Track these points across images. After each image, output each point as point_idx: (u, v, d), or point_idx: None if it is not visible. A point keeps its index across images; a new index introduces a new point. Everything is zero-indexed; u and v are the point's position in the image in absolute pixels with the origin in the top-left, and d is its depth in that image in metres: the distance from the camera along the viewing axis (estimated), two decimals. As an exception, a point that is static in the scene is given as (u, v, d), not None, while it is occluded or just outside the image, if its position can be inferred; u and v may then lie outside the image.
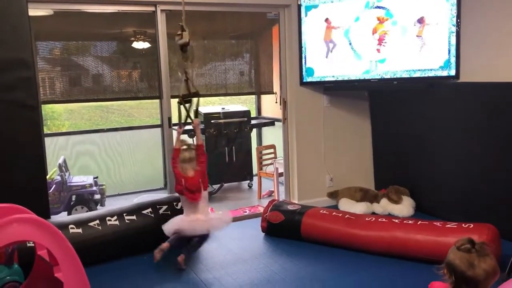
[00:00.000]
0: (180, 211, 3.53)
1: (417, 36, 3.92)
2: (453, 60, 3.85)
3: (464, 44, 3.81)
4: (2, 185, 3.20)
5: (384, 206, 4.32)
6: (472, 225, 3.12)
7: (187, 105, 3.49)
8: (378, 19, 4.03)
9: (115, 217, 3.44)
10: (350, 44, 4.16)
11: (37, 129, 3.41)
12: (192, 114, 3.50)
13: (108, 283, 3.07)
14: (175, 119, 4.05)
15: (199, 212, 3.35)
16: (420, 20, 3.89)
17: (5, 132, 3.26)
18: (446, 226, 3.20)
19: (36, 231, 2.38)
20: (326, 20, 4.20)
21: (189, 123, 3.55)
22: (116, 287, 3.02)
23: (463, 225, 3.16)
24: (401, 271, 3.11)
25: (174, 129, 4.18)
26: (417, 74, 3.99)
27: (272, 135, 6.29)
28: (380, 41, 4.04)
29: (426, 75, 3.96)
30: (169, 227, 3.31)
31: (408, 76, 4.02)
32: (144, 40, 4.79)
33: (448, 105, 3.96)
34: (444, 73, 3.91)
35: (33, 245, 2.82)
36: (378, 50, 4.07)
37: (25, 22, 3.31)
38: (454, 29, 3.79)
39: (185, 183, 3.30)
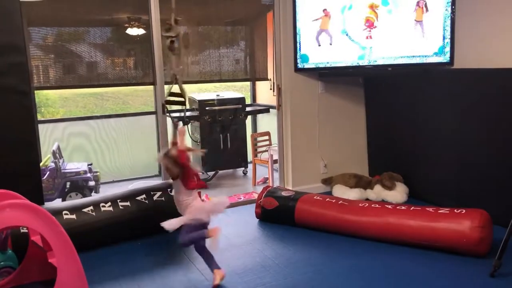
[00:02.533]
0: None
1: (414, 20, 3.90)
2: (447, 46, 3.85)
3: (458, 31, 3.81)
4: (-4, 171, 3.20)
5: (377, 192, 4.34)
6: (464, 211, 3.14)
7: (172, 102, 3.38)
8: (370, 6, 4.01)
9: (109, 203, 3.44)
10: (344, 30, 4.14)
11: (29, 115, 3.40)
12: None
13: (102, 268, 3.08)
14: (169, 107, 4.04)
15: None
16: (416, 6, 3.87)
17: (-2, 118, 3.25)
18: (439, 211, 3.22)
19: (29, 217, 2.39)
20: (324, 10, 4.17)
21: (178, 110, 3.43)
22: (110, 272, 3.03)
23: (455, 210, 3.18)
24: (394, 256, 3.13)
25: (167, 115, 4.17)
26: (412, 60, 3.99)
27: (267, 122, 6.30)
28: (370, 27, 4.02)
29: (421, 61, 3.95)
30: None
31: (402, 62, 4.01)
32: (138, 27, 4.75)
33: (442, 91, 3.97)
34: (439, 60, 3.91)
35: (26, 231, 2.83)
36: (370, 37, 4.05)
37: (16, 7, 3.28)
38: (449, 15, 3.78)
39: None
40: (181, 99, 3.36)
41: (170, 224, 2.83)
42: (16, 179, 3.20)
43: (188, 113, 3.45)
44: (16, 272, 2.82)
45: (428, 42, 3.91)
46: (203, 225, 2.94)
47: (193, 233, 2.83)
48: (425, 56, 3.96)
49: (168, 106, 3.45)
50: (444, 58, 3.89)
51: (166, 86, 4.12)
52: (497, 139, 3.54)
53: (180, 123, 3.33)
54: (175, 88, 3.35)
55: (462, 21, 3.78)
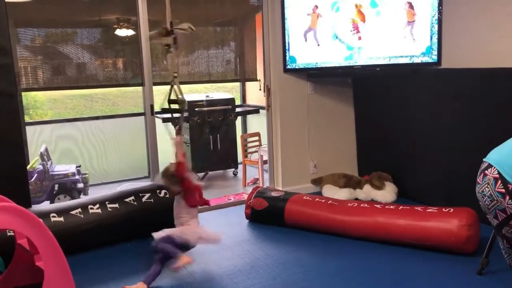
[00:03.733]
0: (164, 199, 3.52)
1: (407, 21, 3.93)
2: (435, 46, 3.88)
3: (446, 31, 3.84)
4: (-19, 174, 3.17)
5: (367, 192, 4.35)
6: (452, 209, 3.16)
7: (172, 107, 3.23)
8: (356, 6, 4.03)
9: (97, 205, 3.41)
10: (333, 31, 4.16)
11: (16, 117, 3.36)
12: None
13: (91, 271, 3.06)
14: (157, 107, 4.02)
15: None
16: (407, 7, 3.90)
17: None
18: (427, 210, 3.25)
19: (15, 220, 2.35)
20: (313, 8, 4.18)
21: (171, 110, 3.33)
22: (98, 275, 3.00)
23: (443, 209, 3.20)
24: (384, 255, 3.15)
25: (157, 117, 4.15)
26: (400, 61, 4.01)
27: (257, 123, 6.30)
28: (356, 29, 4.05)
29: (409, 61, 3.98)
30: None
31: (390, 62, 4.04)
32: (127, 28, 4.72)
33: (429, 91, 3.99)
34: (426, 59, 3.94)
35: (13, 234, 2.80)
36: (360, 38, 4.08)
37: (2, 8, 3.24)
38: (436, 16, 3.81)
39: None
40: (178, 106, 3.22)
41: (158, 234, 2.86)
42: (2, 182, 3.16)
43: (176, 115, 3.35)
44: (3, 276, 2.78)
45: (416, 42, 3.94)
46: (184, 246, 2.90)
47: (170, 247, 2.82)
48: (413, 56, 3.98)
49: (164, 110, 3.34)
50: (432, 58, 3.92)
51: (155, 88, 4.10)
52: (485, 138, 3.56)
53: (174, 134, 3.22)
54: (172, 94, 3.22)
55: (449, 21, 3.81)
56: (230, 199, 4.66)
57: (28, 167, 4.25)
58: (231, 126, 5.82)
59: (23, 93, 4.24)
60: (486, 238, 2.87)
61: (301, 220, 3.65)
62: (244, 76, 5.42)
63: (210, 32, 5.11)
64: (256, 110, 6.05)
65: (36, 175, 4.51)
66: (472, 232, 3.04)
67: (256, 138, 5.81)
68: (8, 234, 2.93)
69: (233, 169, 6.02)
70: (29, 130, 4.71)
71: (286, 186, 4.53)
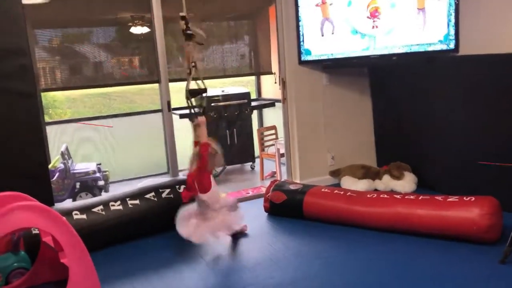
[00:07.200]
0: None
1: (417, 9, 3.87)
2: (452, 33, 3.82)
3: (463, 17, 3.76)
4: (5, 174, 3.23)
5: (386, 182, 4.32)
6: (473, 198, 3.12)
7: (193, 99, 3.32)
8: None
9: (119, 202, 3.46)
10: (347, 20, 4.12)
11: (36, 117, 3.42)
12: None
13: (113, 267, 3.11)
14: (174, 104, 4.05)
15: (198, 216, 3.19)
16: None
17: (5, 121, 3.27)
18: (448, 200, 3.21)
19: (39, 218, 2.41)
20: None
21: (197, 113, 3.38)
22: (121, 271, 3.05)
23: (464, 198, 3.16)
24: (404, 246, 3.13)
25: (174, 113, 4.18)
26: (416, 49, 3.95)
27: (273, 116, 6.29)
28: (373, 16, 4.00)
29: (426, 49, 3.92)
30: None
31: (407, 51, 3.98)
32: (142, 25, 4.76)
33: (448, 79, 3.93)
34: (444, 47, 3.87)
35: (38, 232, 2.87)
36: (376, 26, 4.03)
37: (19, 10, 3.30)
38: (453, 1, 3.74)
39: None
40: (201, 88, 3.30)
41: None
42: (25, 181, 3.23)
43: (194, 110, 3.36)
44: (29, 273, 2.85)
45: (433, 29, 3.87)
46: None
47: None
48: (430, 44, 3.92)
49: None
50: (449, 45, 3.85)
51: (171, 84, 4.12)
52: (505, 125, 3.51)
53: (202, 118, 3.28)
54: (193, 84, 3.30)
55: (466, 7, 3.74)
56: (248, 193, 4.68)
57: (49, 166, 4.34)
58: (247, 120, 5.83)
59: (42, 93, 4.32)
60: (509, 226, 2.83)
61: (320, 212, 3.64)
62: (259, 69, 5.41)
63: (224, 27, 5.12)
64: (271, 103, 6.04)
65: (57, 173, 4.59)
66: (494, 221, 3.00)
67: (273, 131, 5.80)
68: (33, 232, 2.99)
69: (250, 163, 6.04)
70: (49, 129, 4.79)
71: (304, 178, 4.52)
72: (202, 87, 3.28)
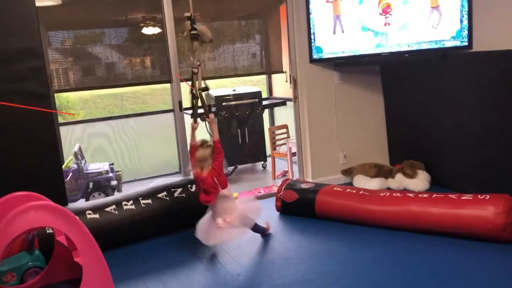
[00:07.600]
0: (195, 193, 3.55)
1: (431, 7, 3.83)
2: (465, 29, 3.77)
3: (476, 13, 3.72)
4: (20, 174, 3.28)
5: (399, 181, 4.29)
6: (488, 196, 3.08)
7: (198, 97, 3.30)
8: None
9: (131, 202, 3.48)
10: (359, 18, 4.09)
11: (50, 118, 3.45)
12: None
13: (126, 266, 3.13)
14: (185, 104, 4.06)
15: (220, 215, 3.13)
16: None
17: (20, 122, 3.31)
18: (462, 198, 3.17)
19: (54, 217, 2.44)
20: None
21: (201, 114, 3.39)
22: (134, 270, 3.07)
23: (479, 196, 3.12)
24: (418, 244, 3.10)
25: (186, 113, 4.19)
26: (429, 46, 3.92)
27: (284, 115, 6.28)
28: (385, 12, 3.96)
29: (438, 46, 3.88)
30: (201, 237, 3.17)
31: (419, 48, 3.95)
32: (153, 26, 4.77)
33: (461, 75, 3.88)
34: (457, 43, 3.83)
35: (52, 231, 2.90)
36: (388, 23, 4.00)
37: (33, 12, 3.33)
38: (465, -3, 3.71)
39: (201, 184, 3.09)
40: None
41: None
42: (39, 181, 3.27)
43: (201, 111, 3.36)
44: (44, 272, 2.89)
45: (446, 26, 3.83)
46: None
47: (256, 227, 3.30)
48: (443, 41, 3.88)
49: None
50: (462, 41, 3.81)
51: (182, 84, 4.13)
52: (520, 122, 3.45)
53: (211, 115, 3.29)
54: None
55: (479, 2, 3.69)
56: (260, 192, 4.68)
57: (63, 166, 4.38)
58: (258, 119, 5.83)
59: (55, 95, 4.36)
60: (525, 225, 2.79)
61: (332, 211, 3.63)
62: (270, 68, 5.39)
63: (234, 26, 5.11)
64: (283, 102, 6.03)
65: (71, 174, 4.64)
66: (510, 219, 2.95)
67: (284, 130, 5.79)
68: (48, 231, 3.03)
69: (262, 162, 6.04)
70: (62, 130, 4.84)
71: (316, 177, 4.51)
72: (203, 85, 3.29)
